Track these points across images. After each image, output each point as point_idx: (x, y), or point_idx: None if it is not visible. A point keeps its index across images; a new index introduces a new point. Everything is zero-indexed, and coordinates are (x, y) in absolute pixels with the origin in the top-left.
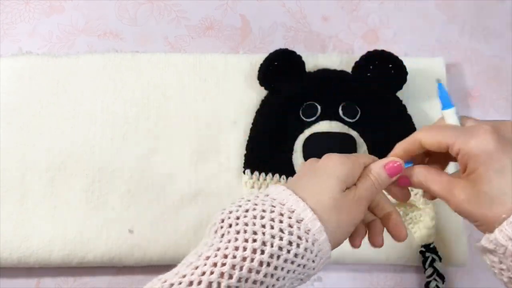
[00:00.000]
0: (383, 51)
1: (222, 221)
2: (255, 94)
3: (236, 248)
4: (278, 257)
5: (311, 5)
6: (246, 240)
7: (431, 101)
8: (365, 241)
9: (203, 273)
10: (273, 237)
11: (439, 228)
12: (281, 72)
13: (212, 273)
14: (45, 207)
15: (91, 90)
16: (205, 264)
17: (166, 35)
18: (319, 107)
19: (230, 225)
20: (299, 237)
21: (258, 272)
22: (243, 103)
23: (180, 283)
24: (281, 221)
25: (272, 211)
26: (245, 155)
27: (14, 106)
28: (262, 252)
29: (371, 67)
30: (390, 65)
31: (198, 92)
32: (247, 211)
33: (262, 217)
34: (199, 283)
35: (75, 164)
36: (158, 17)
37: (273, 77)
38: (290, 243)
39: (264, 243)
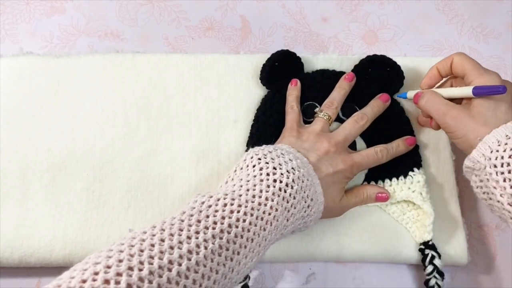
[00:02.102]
0: (382, 56)
1: (252, 157)
2: (256, 93)
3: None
4: (298, 183)
5: (311, 5)
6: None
7: None
8: (364, 239)
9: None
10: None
11: (438, 227)
12: (282, 73)
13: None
14: (46, 207)
15: (92, 90)
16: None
17: (166, 35)
18: (319, 107)
19: (256, 163)
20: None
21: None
22: (243, 102)
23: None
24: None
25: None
26: (246, 152)
27: (15, 106)
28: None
29: (369, 69)
30: (388, 69)
31: (198, 92)
32: (270, 152)
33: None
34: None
35: (75, 164)
36: (159, 18)
37: (275, 78)
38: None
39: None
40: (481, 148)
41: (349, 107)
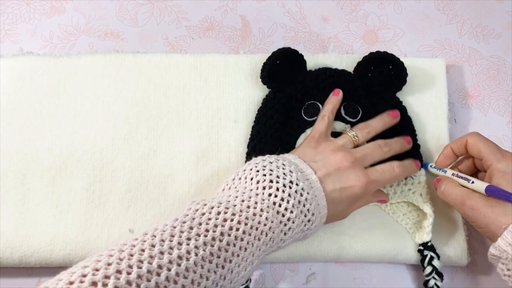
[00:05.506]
0: (385, 53)
1: (251, 169)
2: (256, 93)
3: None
4: (294, 197)
5: (311, 5)
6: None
7: (431, 102)
8: (364, 239)
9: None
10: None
11: (439, 227)
12: (283, 71)
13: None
14: (46, 207)
15: (92, 90)
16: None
17: (166, 35)
18: (320, 107)
19: (258, 171)
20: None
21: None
22: (243, 102)
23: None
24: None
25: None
26: (247, 153)
27: (15, 106)
28: (283, 191)
29: (372, 67)
30: (391, 66)
31: (198, 92)
32: (271, 163)
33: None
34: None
35: (76, 164)
36: (159, 18)
37: (276, 76)
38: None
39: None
40: (507, 237)
41: (351, 106)
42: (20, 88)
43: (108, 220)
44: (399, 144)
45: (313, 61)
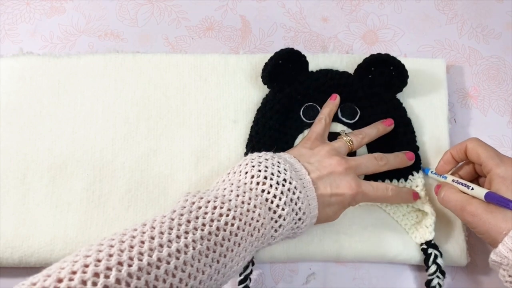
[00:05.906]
0: (386, 55)
1: (246, 164)
2: (255, 94)
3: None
4: (287, 195)
5: (311, 6)
6: (264, 183)
7: (431, 102)
8: (364, 239)
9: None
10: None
11: (438, 227)
12: (285, 71)
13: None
14: (46, 207)
15: (92, 90)
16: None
17: (166, 35)
18: (319, 109)
19: (253, 166)
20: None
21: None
22: (243, 102)
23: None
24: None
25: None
26: (245, 154)
27: (15, 106)
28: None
29: (372, 68)
30: (392, 68)
31: (198, 92)
32: (267, 160)
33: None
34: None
35: (76, 164)
36: (159, 18)
37: (277, 76)
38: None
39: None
40: (508, 243)
41: (349, 107)
42: (20, 88)
43: (108, 220)
44: (398, 159)
45: (313, 61)
